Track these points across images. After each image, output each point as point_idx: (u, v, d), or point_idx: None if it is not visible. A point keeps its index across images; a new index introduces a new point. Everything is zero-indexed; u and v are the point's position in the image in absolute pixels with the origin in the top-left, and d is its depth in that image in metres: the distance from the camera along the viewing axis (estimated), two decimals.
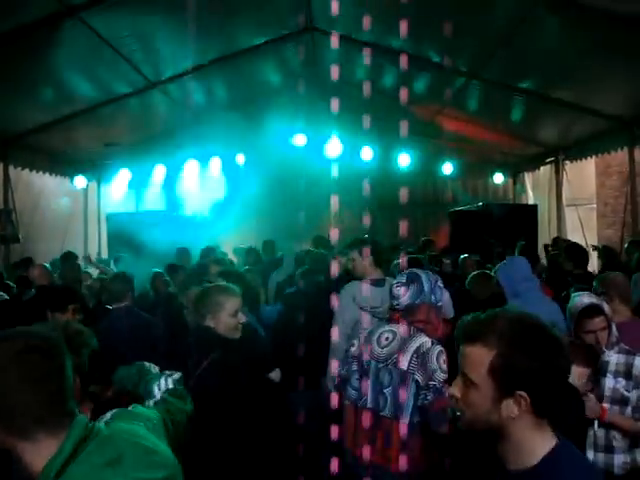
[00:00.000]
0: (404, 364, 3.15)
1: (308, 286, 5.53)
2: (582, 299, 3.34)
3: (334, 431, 3.22)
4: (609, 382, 3.26)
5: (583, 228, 11.67)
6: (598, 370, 3.24)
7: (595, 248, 8.86)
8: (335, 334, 4.37)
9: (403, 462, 3.04)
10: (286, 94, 10.56)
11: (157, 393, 2.30)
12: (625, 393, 3.22)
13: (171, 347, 4.39)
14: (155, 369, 2.51)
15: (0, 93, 7.03)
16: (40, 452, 1.51)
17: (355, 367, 3.41)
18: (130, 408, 1.86)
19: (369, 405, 3.26)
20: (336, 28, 7.12)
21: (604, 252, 8.00)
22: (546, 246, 9.95)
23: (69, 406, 1.59)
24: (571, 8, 5.80)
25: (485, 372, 1.53)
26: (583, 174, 12.84)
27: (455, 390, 1.62)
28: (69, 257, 8.24)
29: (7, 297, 5.81)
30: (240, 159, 12.19)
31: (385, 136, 10.56)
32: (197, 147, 11.31)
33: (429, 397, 3.08)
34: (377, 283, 4.46)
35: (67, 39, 6.37)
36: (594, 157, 10.18)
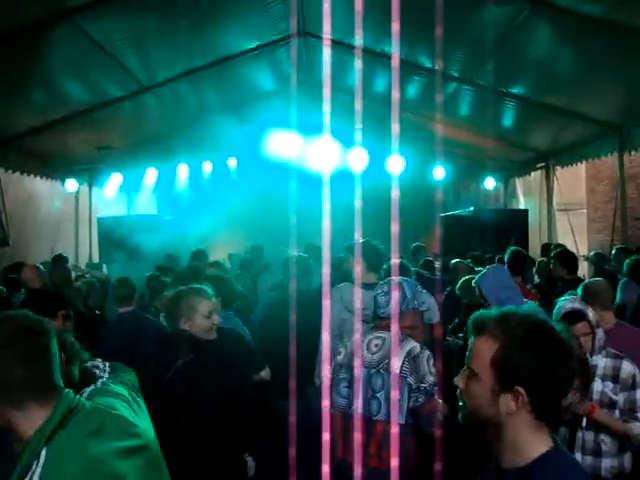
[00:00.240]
0: (396, 368, 3.21)
1: (284, 295, 5.49)
2: (565, 305, 3.36)
3: (324, 439, 3.20)
4: (597, 386, 3.29)
5: (574, 233, 11.74)
6: (587, 375, 3.26)
7: (586, 258, 8.92)
8: (325, 335, 4.40)
9: (397, 463, 3.04)
10: (278, 98, 10.57)
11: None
12: (613, 397, 3.25)
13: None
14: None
15: None
16: (32, 421, 1.68)
17: (343, 375, 3.41)
18: (99, 385, 2.00)
19: (360, 411, 3.29)
20: (324, 31, 7.13)
21: (596, 258, 8.07)
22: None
23: (56, 380, 1.77)
24: (562, 15, 5.85)
25: (487, 364, 1.57)
26: (574, 179, 12.94)
27: (459, 381, 1.65)
28: (59, 260, 8.22)
29: None
30: (232, 163, 12.20)
31: (377, 141, 10.59)
32: (189, 151, 11.31)
33: (420, 399, 3.18)
34: (367, 286, 4.42)
35: (60, 43, 6.36)
36: (584, 162, 10.25)
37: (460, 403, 1.66)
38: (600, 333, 3.33)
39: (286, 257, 7.05)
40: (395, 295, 3.43)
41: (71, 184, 10.76)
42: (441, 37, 6.02)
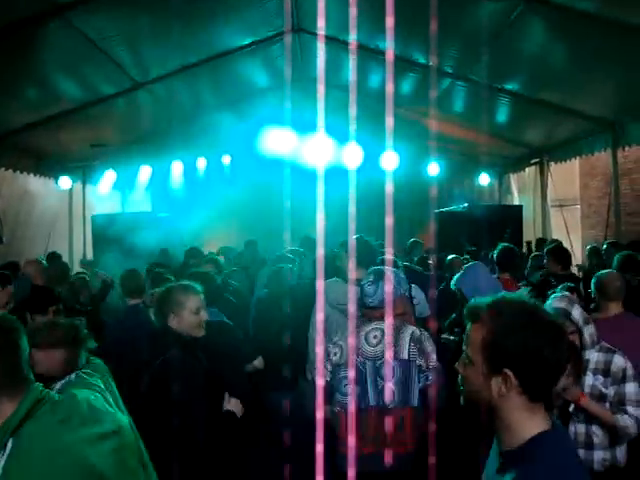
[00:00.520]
0: (405, 354, 3.35)
1: (274, 290, 5.54)
2: (552, 304, 3.39)
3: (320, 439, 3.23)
4: (588, 380, 3.32)
5: (567, 229, 11.78)
6: (579, 363, 3.28)
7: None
8: (312, 330, 4.60)
9: (414, 442, 3.30)
10: (273, 95, 10.56)
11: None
12: (603, 390, 3.28)
13: None
14: None
15: None
16: (1, 413, 1.75)
17: (344, 373, 3.43)
18: (73, 377, 2.07)
19: (372, 403, 3.34)
20: (319, 28, 7.12)
21: (593, 253, 8.11)
22: (528, 243, 10.02)
23: (25, 374, 1.84)
24: (555, 11, 5.86)
25: (478, 348, 1.62)
26: (567, 175, 12.97)
27: (459, 366, 1.71)
28: (54, 258, 8.21)
29: None
30: (226, 160, 12.19)
31: (371, 137, 10.60)
32: (183, 148, 11.28)
33: (430, 377, 3.34)
34: (355, 282, 4.53)
35: (53, 39, 6.34)
36: (578, 158, 10.28)
37: (461, 388, 1.72)
38: (590, 329, 3.34)
39: (279, 254, 7.08)
40: (380, 284, 3.49)
41: (65, 181, 10.72)
42: (435, 33, 6.02)
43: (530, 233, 11.34)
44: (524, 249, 10.01)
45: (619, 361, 3.30)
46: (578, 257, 11.82)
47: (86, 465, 1.78)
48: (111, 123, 9.63)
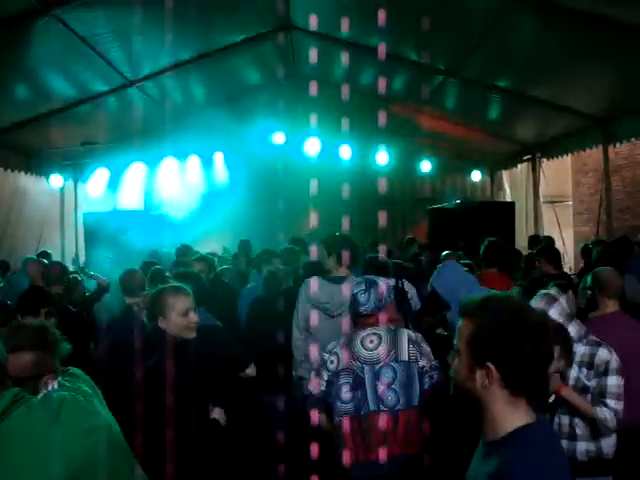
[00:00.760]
0: (404, 356, 3.41)
1: (267, 291, 5.56)
2: (534, 304, 3.40)
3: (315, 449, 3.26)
4: (573, 372, 3.35)
5: (560, 225, 11.83)
6: (569, 350, 3.29)
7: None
8: (294, 328, 4.66)
9: (419, 442, 3.36)
10: (265, 92, 10.55)
11: None
12: (586, 382, 3.31)
13: None
14: None
15: None
16: None
17: (343, 380, 3.43)
18: (56, 385, 2.08)
19: (372, 408, 3.35)
20: (311, 26, 7.13)
21: (585, 251, 8.13)
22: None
23: (3, 379, 1.86)
24: (548, 8, 5.87)
25: (465, 342, 1.71)
26: (559, 172, 13.02)
27: (450, 359, 1.80)
28: (45, 256, 8.17)
29: None
30: (219, 157, 12.16)
31: (363, 134, 10.61)
32: (175, 146, 11.24)
33: (435, 376, 3.45)
34: (335, 280, 4.56)
35: (42, 36, 6.28)
36: (570, 155, 10.31)
37: (451, 378, 1.81)
38: (573, 326, 3.35)
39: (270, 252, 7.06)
40: (372, 292, 3.56)
41: (56, 180, 10.67)
42: (426, 30, 6.02)
43: (522, 230, 11.36)
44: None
45: (603, 354, 3.32)
46: (570, 254, 11.89)
47: (61, 459, 1.82)
48: (102, 121, 9.57)
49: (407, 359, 3.39)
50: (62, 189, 11.14)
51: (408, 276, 5.67)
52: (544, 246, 6.62)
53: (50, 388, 2.06)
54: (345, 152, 11.44)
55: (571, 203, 13.71)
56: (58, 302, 4.55)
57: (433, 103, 9.70)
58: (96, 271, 7.59)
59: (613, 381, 3.28)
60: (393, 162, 11.75)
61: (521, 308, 1.70)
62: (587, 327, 3.48)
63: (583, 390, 3.31)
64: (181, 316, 3.22)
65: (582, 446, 3.30)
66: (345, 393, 3.40)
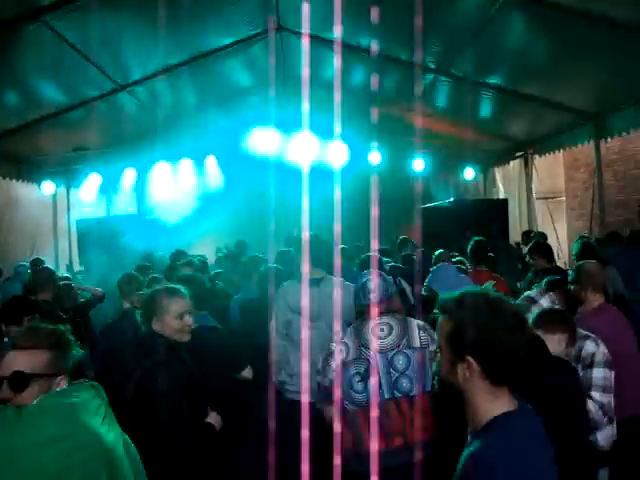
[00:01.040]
0: (416, 342, 3.44)
1: (260, 292, 5.49)
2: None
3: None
4: None
5: (553, 221, 11.86)
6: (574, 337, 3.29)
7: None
8: (273, 333, 4.45)
9: (434, 428, 3.37)
10: (256, 94, 10.53)
11: None
12: None
13: None
14: None
15: None
16: None
17: (354, 370, 3.42)
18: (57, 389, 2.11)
19: (387, 396, 3.36)
20: (302, 27, 7.11)
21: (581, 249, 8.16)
22: (518, 244, 10.07)
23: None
24: (538, 5, 5.88)
25: (445, 338, 1.79)
26: (552, 168, 13.05)
27: (433, 354, 1.96)
28: (38, 264, 8.13)
29: None
30: (211, 160, 12.14)
31: (356, 134, 10.60)
32: (168, 150, 11.22)
33: None
34: (312, 282, 4.42)
35: (31, 43, 6.27)
36: (562, 151, 10.34)
37: (435, 373, 1.92)
38: None
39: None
40: (379, 281, 3.60)
41: (48, 186, 10.63)
42: (417, 29, 6.02)
43: (516, 226, 11.39)
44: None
45: (590, 347, 3.35)
46: (564, 249, 11.92)
47: (26, 468, 1.87)
48: (93, 126, 9.53)
49: (419, 345, 3.42)
50: (54, 195, 11.11)
51: (403, 276, 5.72)
52: (535, 242, 6.70)
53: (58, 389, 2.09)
54: (338, 152, 11.43)
55: (564, 199, 13.74)
56: (46, 310, 4.47)
57: (425, 102, 9.71)
58: (91, 277, 7.58)
59: (599, 373, 3.30)
60: (385, 161, 11.75)
61: (497, 303, 1.75)
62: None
63: None
64: (176, 319, 3.18)
65: None
66: (357, 383, 3.39)
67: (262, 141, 11.41)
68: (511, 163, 11.99)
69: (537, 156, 10.95)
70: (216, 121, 10.46)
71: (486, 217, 9.96)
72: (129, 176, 11.75)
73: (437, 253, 7.22)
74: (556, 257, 8.23)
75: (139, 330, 3.54)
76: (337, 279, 4.43)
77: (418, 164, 12.34)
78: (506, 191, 12.50)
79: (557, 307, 3.47)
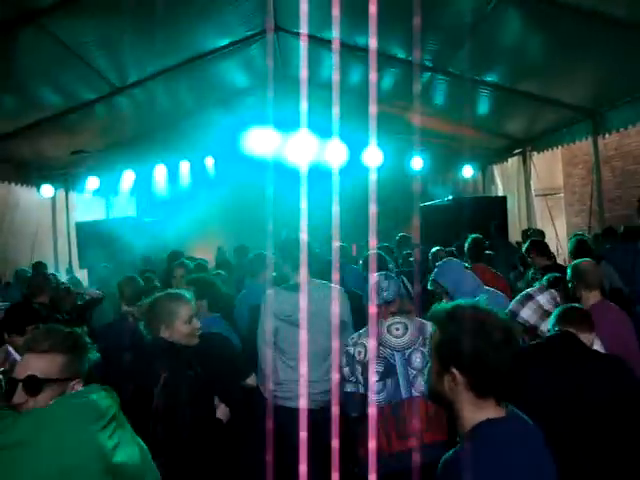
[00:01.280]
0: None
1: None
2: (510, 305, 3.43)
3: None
4: None
5: (552, 218, 11.86)
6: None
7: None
8: (261, 344, 4.24)
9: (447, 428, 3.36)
10: (253, 95, 10.53)
11: None
12: None
13: None
14: None
15: None
16: None
17: (372, 370, 3.47)
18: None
19: (405, 396, 3.37)
20: (301, 27, 7.10)
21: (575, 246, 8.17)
22: (519, 243, 10.05)
23: None
24: (534, 2, 5.89)
25: (434, 349, 1.83)
26: (550, 164, 13.04)
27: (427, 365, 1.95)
28: (40, 268, 8.14)
29: None
30: (209, 162, 12.14)
31: (354, 133, 10.59)
32: (166, 151, 11.22)
33: None
34: (293, 288, 4.26)
35: (28, 46, 6.27)
36: (560, 147, 10.34)
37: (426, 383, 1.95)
38: (545, 326, 3.33)
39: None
40: (391, 281, 3.66)
41: (47, 190, 10.62)
42: (414, 27, 6.02)
43: (515, 223, 11.39)
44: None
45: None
46: (564, 246, 11.90)
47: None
48: (91, 129, 9.54)
49: None
50: (53, 198, 11.10)
51: (401, 273, 5.74)
52: (531, 241, 6.71)
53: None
54: (336, 151, 11.42)
55: (563, 195, 13.74)
56: (45, 316, 4.43)
57: (422, 100, 9.71)
58: (91, 280, 7.59)
59: None
60: (384, 160, 11.75)
61: (485, 317, 1.77)
62: None
63: None
64: (185, 323, 3.18)
65: None
66: (376, 383, 3.41)
67: (260, 141, 11.41)
68: (509, 160, 11.98)
69: (535, 153, 10.95)
70: (214, 122, 10.45)
71: (485, 215, 9.95)
72: (128, 178, 11.75)
73: (433, 250, 7.23)
74: (555, 254, 8.22)
75: (136, 332, 3.52)
76: (321, 282, 4.30)
77: (417, 162, 12.34)
78: (505, 188, 12.50)
79: (557, 304, 3.45)
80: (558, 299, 3.49)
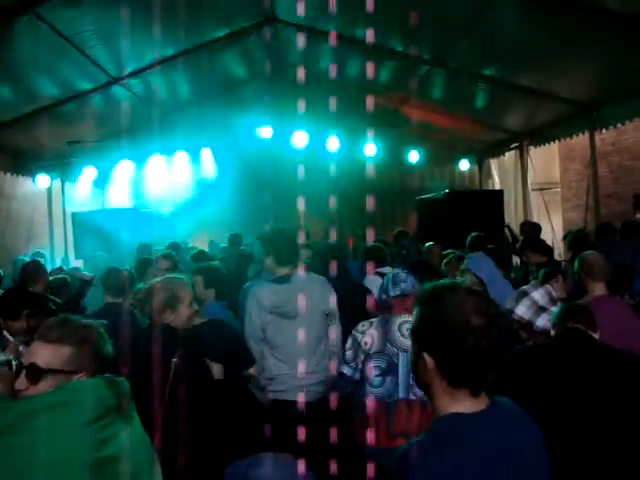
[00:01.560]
0: None
1: None
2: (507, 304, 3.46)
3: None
4: None
5: (548, 212, 11.88)
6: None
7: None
8: (249, 340, 4.10)
9: None
10: (251, 86, 10.51)
11: None
12: None
13: None
14: None
15: None
16: None
17: (375, 363, 3.41)
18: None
19: (402, 396, 3.33)
20: (298, 19, 7.10)
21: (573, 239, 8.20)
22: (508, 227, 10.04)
23: None
24: None
25: (412, 330, 1.75)
26: (547, 159, 13.07)
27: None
28: (38, 257, 8.12)
29: None
30: (206, 153, 12.12)
31: (351, 126, 10.59)
32: (163, 142, 11.19)
33: None
34: (280, 280, 4.17)
35: (23, 35, 6.22)
36: (557, 142, 10.35)
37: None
38: (543, 319, 3.34)
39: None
40: (408, 276, 3.62)
41: (43, 180, 10.59)
42: (413, 19, 6.00)
43: (511, 218, 11.41)
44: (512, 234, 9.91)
45: None
46: (560, 241, 11.93)
47: None
48: (88, 119, 9.50)
49: None
50: (49, 189, 11.07)
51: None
52: (524, 239, 6.75)
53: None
54: (333, 144, 11.43)
55: (559, 190, 13.76)
56: (40, 301, 4.42)
57: (420, 93, 9.71)
58: (87, 269, 7.57)
59: None
60: (381, 153, 11.75)
61: (464, 299, 1.63)
62: None
63: None
64: (188, 307, 3.27)
65: None
66: (375, 377, 3.38)
67: (257, 132, 11.41)
68: (506, 154, 11.99)
69: (532, 147, 10.95)
70: (211, 113, 10.43)
71: (481, 209, 9.96)
72: (124, 169, 11.73)
73: (427, 245, 7.24)
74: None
75: (132, 326, 3.52)
76: (306, 273, 4.28)
77: (413, 156, 12.35)
78: (501, 182, 12.50)
79: (552, 298, 3.46)
80: (553, 294, 3.50)
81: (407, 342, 3.35)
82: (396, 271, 3.65)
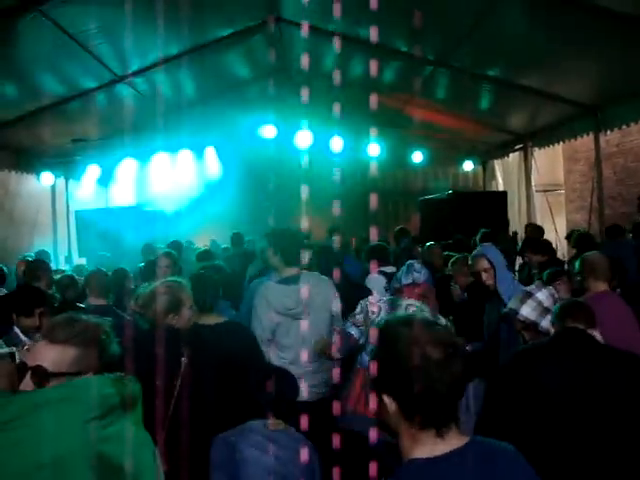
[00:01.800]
0: None
1: None
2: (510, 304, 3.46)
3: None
4: None
5: (552, 214, 11.87)
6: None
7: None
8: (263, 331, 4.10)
9: None
10: (255, 86, 10.50)
11: None
12: None
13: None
14: None
15: None
16: None
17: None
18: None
19: None
20: (303, 18, 7.09)
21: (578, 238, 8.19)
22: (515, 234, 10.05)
23: None
24: None
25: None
26: (551, 160, 13.05)
27: None
28: (43, 256, 8.15)
29: None
30: (210, 152, 12.13)
31: (355, 126, 10.59)
32: (166, 141, 11.20)
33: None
34: (288, 281, 4.16)
35: (28, 33, 6.22)
36: (561, 143, 10.33)
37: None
38: (547, 320, 3.33)
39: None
40: (423, 269, 3.81)
41: (47, 178, 10.61)
42: (417, 20, 6.00)
43: (515, 219, 11.40)
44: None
45: None
46: (563, 242, 11.93)
47: None
48: (92, 117, 9.52)
49: None
50: (53, 187, 11.09)
51: None
52: (525, 240, 6.74)
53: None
54: (336, 144, 11.43)
55: (563, 191, 13.75)
56: (52, 300, 4.45)
57: (424, 94, 9.69)
58: (90, 268, 7.56)
59: None
60: (384, 153, 11.74)
61: (418, 334, 1.49)
62: None
63: None
64: (189, 309, 3.34)
65: None
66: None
67: (261, 132, 11.41)
68: (510, 155, 11.97)
69: (536, 148, 10.93)
70: (215, 112, 10.44)
71: (485, 210, 9.95)
72: (128, 167, 11.75)
73: (427, 245, 7.21)
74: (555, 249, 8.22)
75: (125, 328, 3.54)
76: (312, 274, 4.34)
77: (417, 156, 12.35)
78: (505, 184, 12.50)
79: (556, 300, 3.46)
80: (556, 295, 3.49)
81: None
82: (412, 262, 3.82)
